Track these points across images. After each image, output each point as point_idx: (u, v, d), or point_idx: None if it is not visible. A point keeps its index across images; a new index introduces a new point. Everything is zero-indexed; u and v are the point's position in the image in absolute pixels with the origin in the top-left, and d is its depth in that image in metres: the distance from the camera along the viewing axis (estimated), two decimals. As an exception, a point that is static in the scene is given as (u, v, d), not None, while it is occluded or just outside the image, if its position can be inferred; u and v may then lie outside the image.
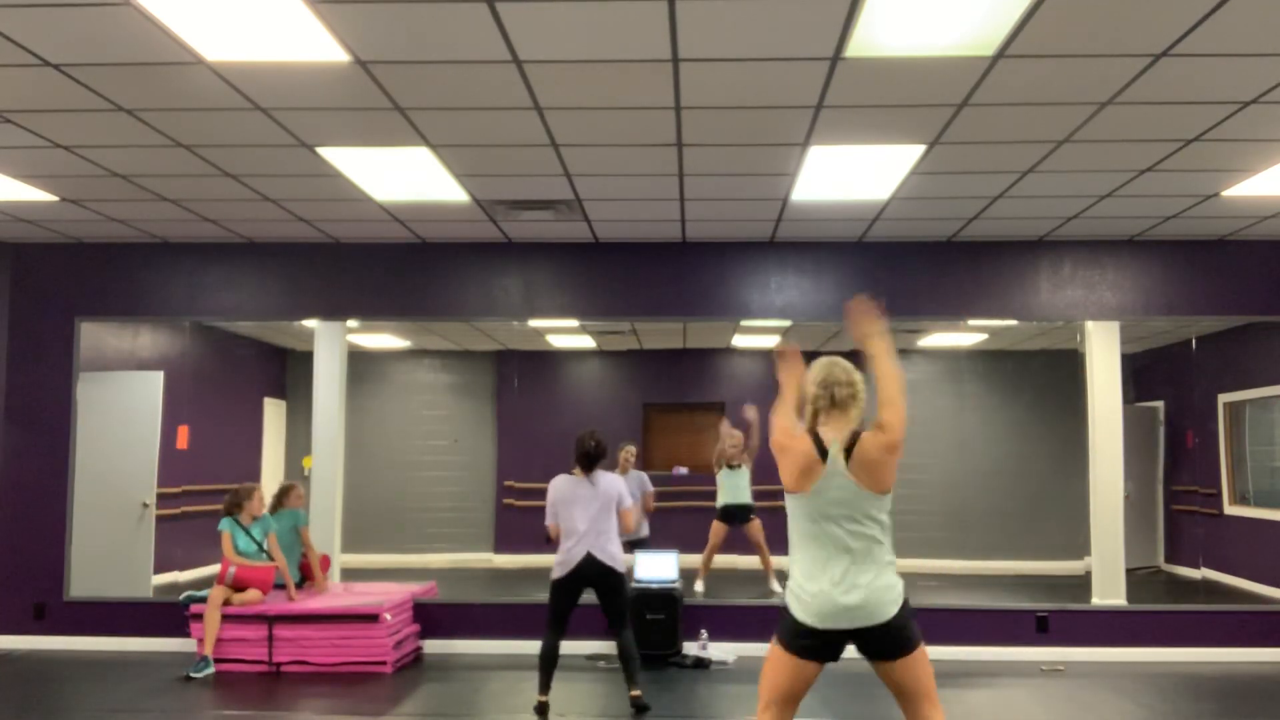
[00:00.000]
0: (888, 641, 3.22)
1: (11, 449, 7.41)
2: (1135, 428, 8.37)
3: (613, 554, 5.54)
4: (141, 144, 5.13)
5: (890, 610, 3.20)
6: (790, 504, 3.34)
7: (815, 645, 3.21)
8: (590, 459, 5.65)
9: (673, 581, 6.92)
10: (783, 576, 4.29)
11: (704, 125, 4.81)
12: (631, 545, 6.64)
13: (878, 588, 3.20)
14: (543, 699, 5.51)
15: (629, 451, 8.21)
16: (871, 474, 3.21)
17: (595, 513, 5.54)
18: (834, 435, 3.26)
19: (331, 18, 3.64)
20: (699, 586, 7.81)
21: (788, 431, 3.34)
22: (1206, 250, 7.24)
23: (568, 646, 7.06)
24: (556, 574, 5.58)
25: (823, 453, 3.24)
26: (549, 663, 5.56)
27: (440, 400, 10.32)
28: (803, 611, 3.22)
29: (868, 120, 4.75)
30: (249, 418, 9.36)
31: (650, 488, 8.22)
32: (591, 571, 5.51)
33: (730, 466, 8.26)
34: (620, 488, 5.69)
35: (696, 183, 5.82)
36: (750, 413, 8.09)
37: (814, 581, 3.22)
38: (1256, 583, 7.79)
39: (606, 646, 7.08)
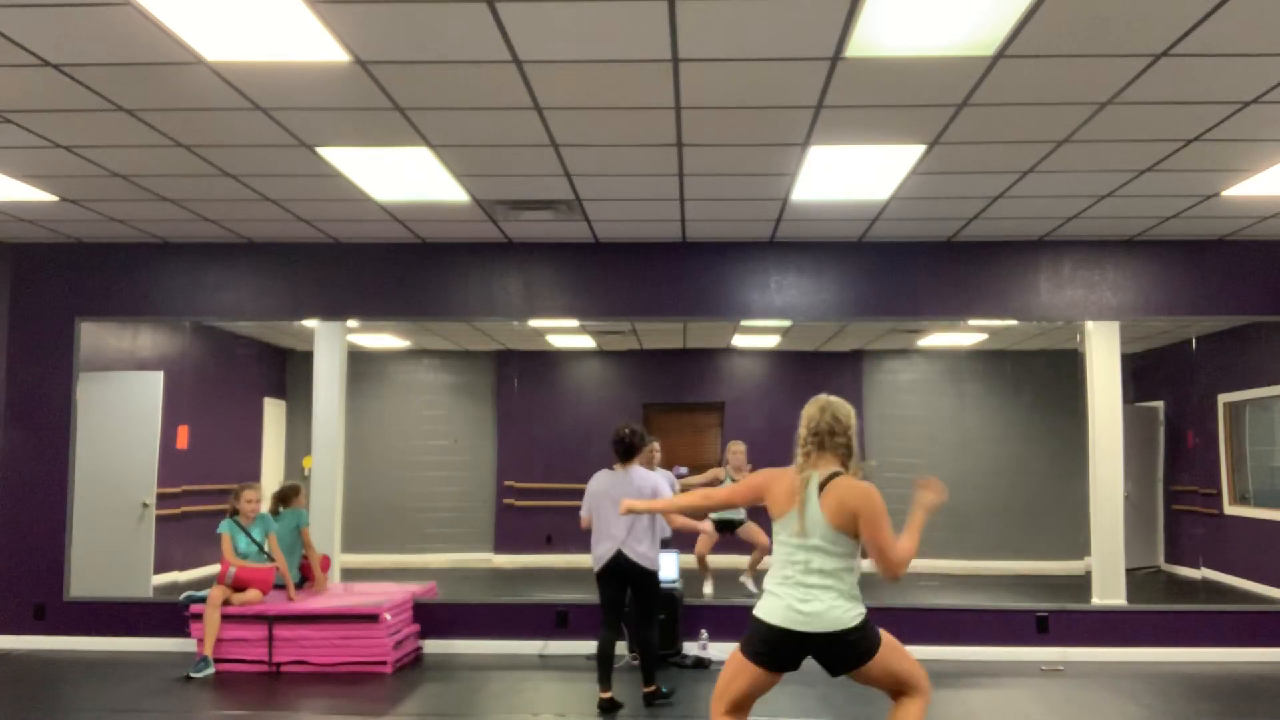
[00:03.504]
0: (846, 652, 3.43)
1: (11, 449, 7.41)
2: (1135, 428, 8.37)
3: (642, 553, 5.56)
4: (141, 144, 5.13)
5: (844, 624, 3.40)
6: (774, 528, 3.66)
7: (772, 650, 3.46)
8: (625, 450, 5.67)
9: (673, 581, 6.92)
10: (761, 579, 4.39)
11: (704, 125, 4.81)
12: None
13: (835, 605, 3.42)
14: (605, 695, 5.55)
15: (652, 449, 8.09)
16: (838, 513, 3.45)
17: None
18: (816, 472, 3.57)
19: (331, 18, 3.64)
20: (708, 589, 7.77)
21: (778, 472, 3.71)
22: (1206, 250, 7.24)
23: (568, 646, 7.10)
24: (595, 567, 5.66)
25: (806, 484, 3.55)
26: (605, 659, 5.59)
27: (440, 400, 10.32)
28: (766, 611, 3.50)
29: (868, 120, 4.75)
30: (249, 418, 9.36)
31: (677, 486, 8.05)
32: (623, 570, 5.56)
33: (735, 480, 8.15)
34: (655, 484, 5.66)
35: (696, 183, 5.82)
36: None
37: (780, 587, 3.50)
38: (1256, 583, 7.79)
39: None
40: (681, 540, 7.46)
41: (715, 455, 8.44)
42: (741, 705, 3.55)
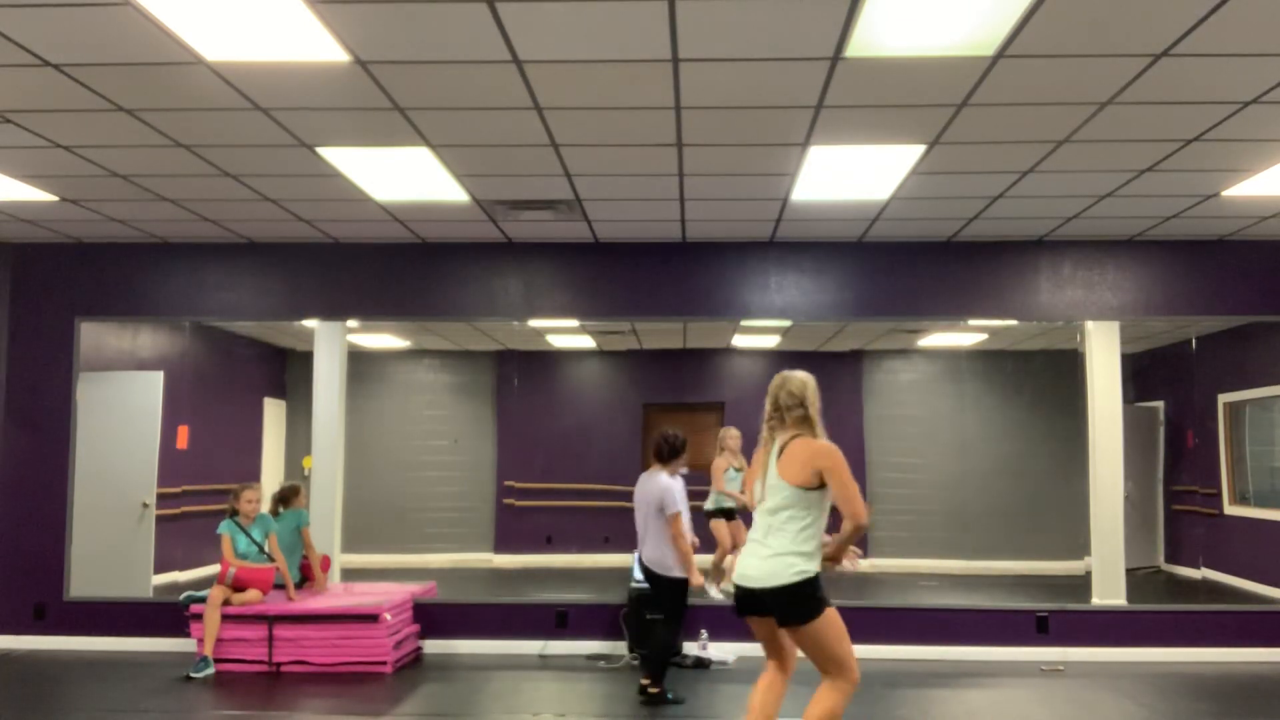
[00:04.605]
0: (781, 607, 3.77)
1: (11, 449, 7.41)
2: (1135, 428, 8.37)
3: (654, 557, 5.72)
4: (141, 144, 5.13)
5: (776, 580, 3.74)
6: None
7: (743, 603, 3.88)
8: (657, 454, 5.83)
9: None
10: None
11: (704, 125, 4.81)
12: None
13: (779, 564, 3.76)
14: (652, 689, 5.77)
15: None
16: (790, 467, 3.83)
17: (644, 513, 5.75)
18: (778, 438, 3.95)
19: (331, 18, 3.64)
20: (715, 592, 7.75)
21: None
22: (1206, 250, 7.24)
23: (568, 646, 7.10)
24: None
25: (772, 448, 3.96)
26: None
27: (440, 400, 10.32)
28: (736, 572, 3.94)
29: (868, 120, 4.75)
30: (249, 418, 9.36)
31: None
32: (644, 569, 5.81)
33: (736, 469, 8.14)
34: (660, 491, 5.71)
35: (696, 183, 5.82)
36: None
37: (748, 548, 3.93)
38: (1256, 583, 7.79)
39: (606, 646, 7.10)
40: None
41: (715, 456, 8.44)
42: (771, 651, 3.99)
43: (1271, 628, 7.02)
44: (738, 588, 3.89)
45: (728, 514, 8.08)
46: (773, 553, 3.78)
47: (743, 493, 7.95)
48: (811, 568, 3.76)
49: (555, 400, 10.15)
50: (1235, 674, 6.58)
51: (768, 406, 3.98)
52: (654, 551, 5.69)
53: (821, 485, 3.79)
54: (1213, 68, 4.08)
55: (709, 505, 8.04)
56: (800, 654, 3.96)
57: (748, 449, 7.96)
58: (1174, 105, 4.53)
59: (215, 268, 7.50)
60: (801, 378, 3.97)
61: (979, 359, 10.02)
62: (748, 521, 8.32)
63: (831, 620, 3.74)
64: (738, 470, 8.01)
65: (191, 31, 3.75)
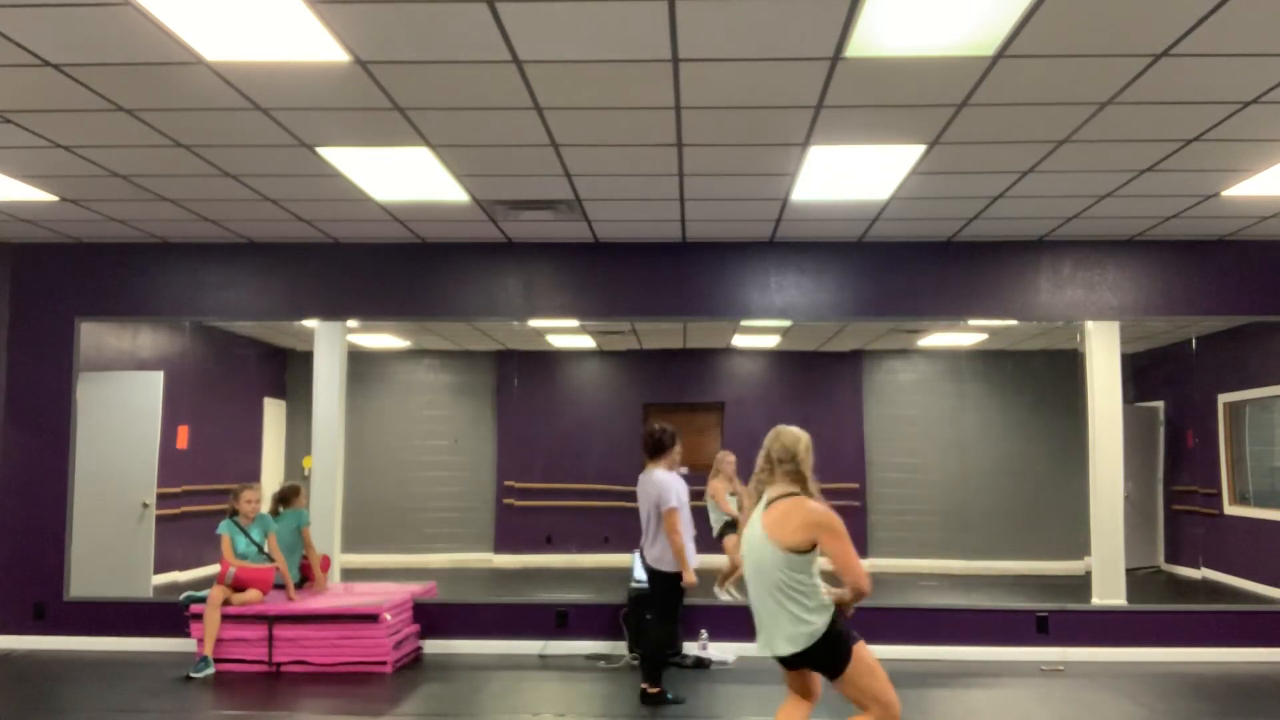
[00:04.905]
0: (814, 666, 3.73)
1: (11, 449, 7.41)
2: (1135, 428, 8.37)
3: (653, 555, 5.73)
4: (141, 144, 5.13)
5: (799, 645, 3.65)
6: None
7: (782, 661, 3.79)
8: (645, 447, 5.81)
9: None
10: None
11: (704, 125, 4.81)
12: None
13: (788, 629, 3.68)
14: (652, 690, 5.76)
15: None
16: (781, 528, 3.68)
17: (646, 512, 5.75)
18: (768, 491, 3.86)
19: (331, 18, 3.64)
20: (725, 596, 7.74)
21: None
22: (1206, 250, 7.24)
23: (568, 646, 7.10)
24: None
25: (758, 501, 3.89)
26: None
27: (440, 400, 10.32)
28: (760, 644, 3.86)
29: (868, 120, 4.75)
30: (249, 418, 9.36)
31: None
32: (646, 569, 5.82)
33: (731, 494, 8.11)
34: (659, 487, 5.71)
35: (696, 183, 5.82)
36: None
37: (757, 619, 3.84)
38: (1256, 583, 7.79)
39: (606, 646, 7.10)
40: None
41: (715, 456, 8.45)
42: (797, 688, 3.90)
43: (1271, 628, 7.02)
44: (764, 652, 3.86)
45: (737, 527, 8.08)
46: (782, 624, 3.68)
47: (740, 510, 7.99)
48: (823, 621, 3.64)
49: (555, 400, 10.14)
50: (1235, 674, 6.58)
51: (760, 459, 3.89)
52: (655, 548, 5.71)
53: (812, 547, 3.67)
54: (1213, 68, 4.08)
55: (716, 526, 8.10)
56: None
57: (744, 473, 7.99)
58: (1174, 105, 4.53)
59: (215, 268, 7.50)
60: (795, 433, 3.87)
61: (979, 359, 10.02)
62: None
63: (860, 658, 3.66)
64: (732, 495, 8.07)
65: (191, 31, 3.75)
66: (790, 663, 3.75)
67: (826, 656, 3.65)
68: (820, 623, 3.63)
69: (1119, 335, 7.31)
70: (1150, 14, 3.60)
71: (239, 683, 6.20)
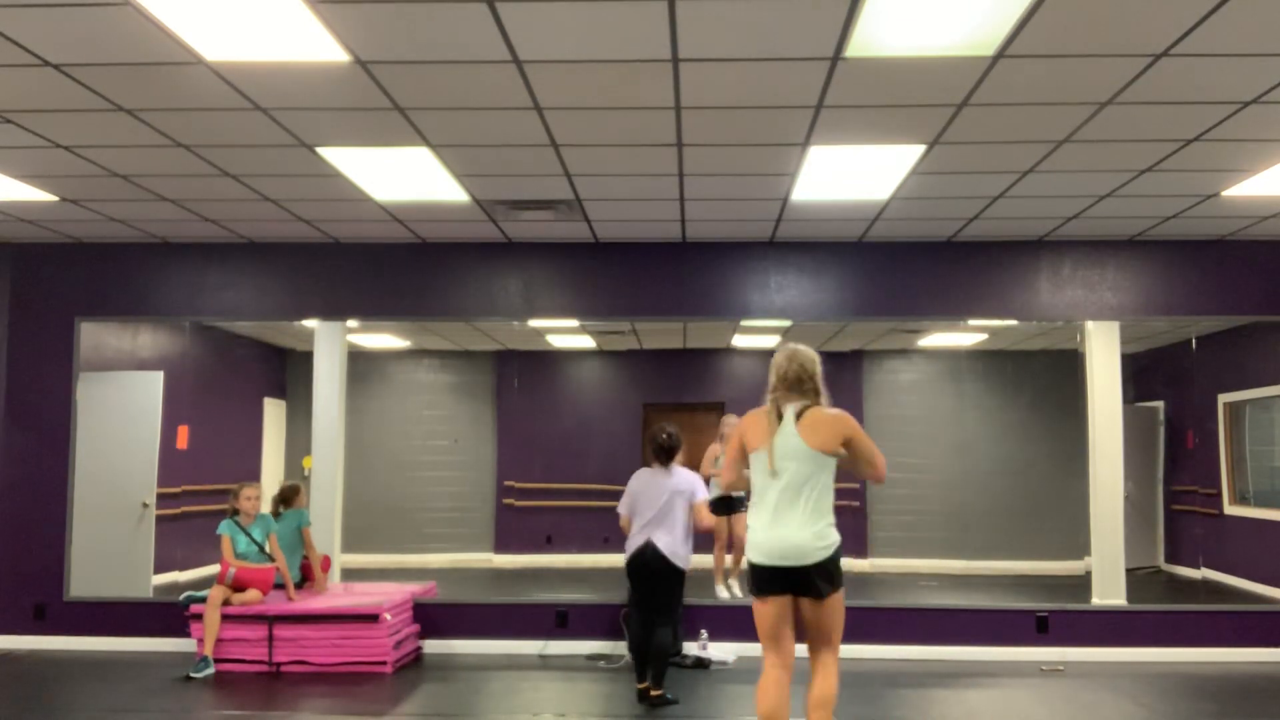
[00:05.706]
0: (809, 583, 3.86)
1: (11, 449, 7.41)
2: (1135, 428, 8.36)
3: (672, 548, 5.65)
4: (141, 144, 5.13)
5: (816, 556, 3.84)
6: (751, 463, 4.06)
7: (770, 580, 3.90)
8: (663, 451, 5.79)
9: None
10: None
11: (704, 125, 4.81)
12: None
13: (810, 534, 3.85)
14: (641, 686, 5.71)
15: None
16: (817, 434, 3.91)
17: (662, 505, 5.67)
18: (790, 405, 3.99)
19: (331, 18, 3.64)
20: (724, 593, 7.71)
21: (753, 413, 4.10)
22: (1206, 250, 7.25)
23: (567, 646, 7.10)
24: (627, 558, 5.78)
25: (780, 418, 3.98)
26: (638, 653, 5.77)
27: (440, 400, 10.32)
28: (755, 552, 3.94)
29: (868, 120, 4.75)
30: (249, 418, 9.36)
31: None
32: (649, 559, 5.65)
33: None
34: (693, 483, 5.75)
35: (696, 183, 5.82)
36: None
37: (764, 526, 3.93)
38: (1256, 583, 7.79)
39: (607, 646, 7.10)
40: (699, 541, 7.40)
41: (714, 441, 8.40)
42: (776, 641, 3.97)
43: (1271, 628, 7.02)
44: (766, 567, 3.91)
45: (728, 505, 7.89)
46: (808, 527, 3.87)
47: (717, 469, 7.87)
48: (838, 534, 3.93)
49: (555, 400, 10.14)
50: (1235, 674, 6.58)
51: (773, 379, 4.05)
52: (671, 538, 5.62)
53: (841, 452, 3.95)
54: (1213, 68, 4.08)
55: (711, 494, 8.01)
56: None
57: None
58: (1174, 105, 4.53)
59: (215, 268, 7.50)
60: (810, 353, 4.09)
61: (979, 359, 10.02)
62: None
63: (842, 601, 3.94)
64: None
65: (191, 31, 3.75)
66: (792, 581, 3.86)
67: (833, 572, 3.88)
68: (838, 536, 3.92)
69: (1119, 335, 7.30)
70: (1150, 14, 3.60)
71: (239, 683, 6.20)
